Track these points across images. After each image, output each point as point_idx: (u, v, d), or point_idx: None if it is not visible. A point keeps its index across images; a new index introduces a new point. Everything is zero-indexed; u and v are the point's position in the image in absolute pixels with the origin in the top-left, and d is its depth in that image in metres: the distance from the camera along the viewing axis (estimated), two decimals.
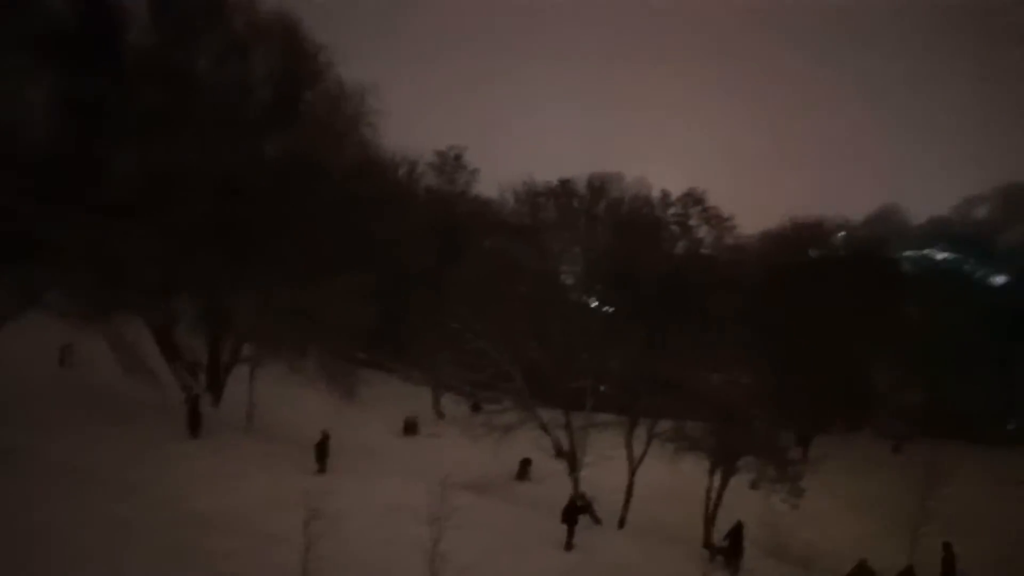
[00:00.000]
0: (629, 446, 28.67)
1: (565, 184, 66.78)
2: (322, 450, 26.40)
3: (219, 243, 26.76)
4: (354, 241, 32.04)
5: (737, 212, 64.81)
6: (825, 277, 48.27)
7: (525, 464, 33.53)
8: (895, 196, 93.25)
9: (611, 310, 51.97)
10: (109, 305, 26.25)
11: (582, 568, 21.07)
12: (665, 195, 67.22)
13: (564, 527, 22.72)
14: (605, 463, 27.66)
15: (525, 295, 34.37)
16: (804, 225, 58.91)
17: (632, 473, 28.43)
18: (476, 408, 38.15)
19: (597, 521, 26.94)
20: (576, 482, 27.68)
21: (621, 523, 27.94)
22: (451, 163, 65.83)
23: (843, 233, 66.78)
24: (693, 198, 66.15)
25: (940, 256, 78.37)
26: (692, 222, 66.56)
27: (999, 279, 69.77)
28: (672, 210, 66.96)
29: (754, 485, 26.99)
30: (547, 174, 75.14)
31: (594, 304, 56.11)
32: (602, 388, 30.57)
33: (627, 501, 28.20)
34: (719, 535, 25.49)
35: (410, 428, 40.16)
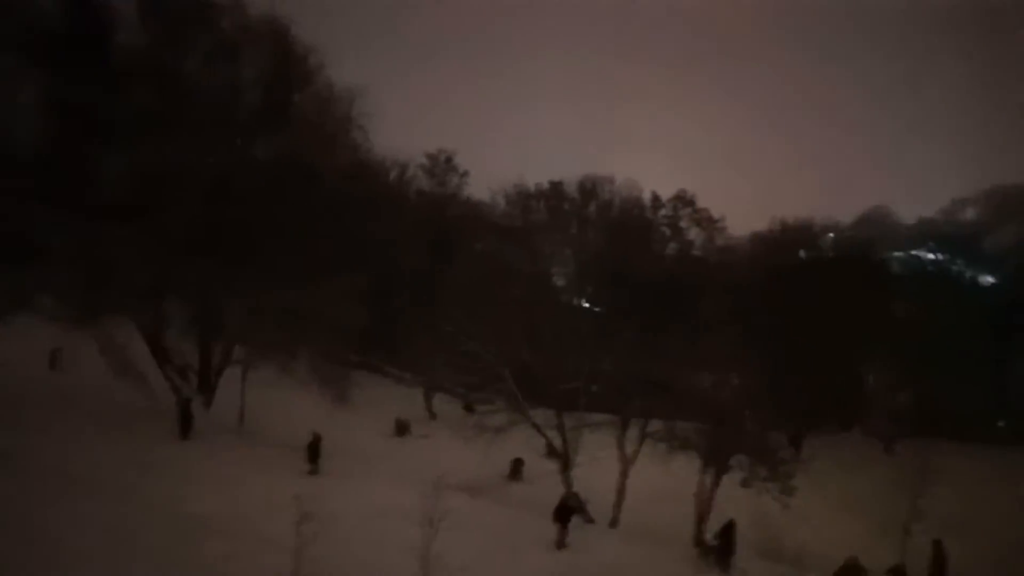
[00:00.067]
0: (621, 446, 28.76)
1: (556, 186, 66.94)
2: (314, 452, 26.38)
3: (210, 245, 26.68)
4: (345, 243, 32.01)
5: (727, 213, 65.15)
6: (815, 278, 48.52)
7: (517, 464, 33.57)
8: (884, 197, 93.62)
9: (602, 311, 52.05)
10: (99, 308, 26.15)
11: (574, 568, 21.07)
12: (655, 197, 67.49)
13: (556, 527, 22.75)
14: (597, 463, 27.75)
15: (517, 297, 34.44)
16: (793, 227, 59.26)
17: (624, 473, 28.51)
18: (469, 409, 38.21)
19: (589, 521, 26.99)
20: (568, 482, 27.73)
21: (613, 523, 28.00)
22: (442, 165, 65.94)
23: (832, 234, 67.10)
24: (683, 200, 66.46)
25: (929, 257, 78.83)
26: (682, 224, 66.87)
27: (987, 280, 70.27)
28: (662, 212, 67.24)
29: (745, 484, 27.10)
30: (538, 176, 75.24)
31: (585, 305, 56.25)
32: (594, 388, 30.66)
33: (619, 501, 28.27)
34: (711, 534, 25.57)
35: (401, 429, 40.13)
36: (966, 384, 46.16)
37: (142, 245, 24.73)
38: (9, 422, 22.39)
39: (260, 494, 21.26)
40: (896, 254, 74.66)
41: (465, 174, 66.74)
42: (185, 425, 27.10)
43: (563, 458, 28.32)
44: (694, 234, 66.96)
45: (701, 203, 66.12)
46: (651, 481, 29.10)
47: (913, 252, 79.82)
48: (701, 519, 27.10)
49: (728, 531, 24.24)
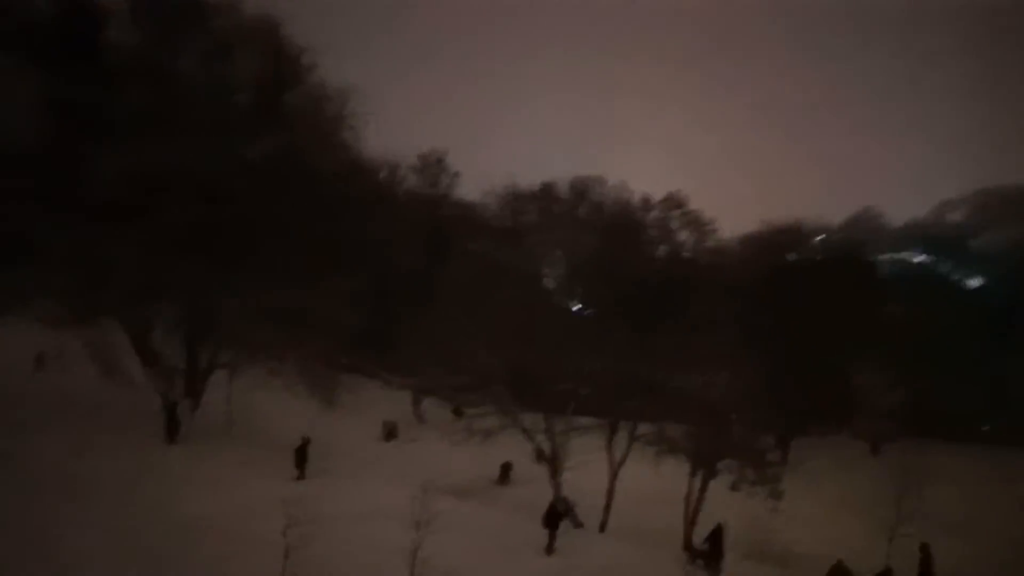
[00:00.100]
0: (610, 450, 28.76)
1: (547, 188, 66.91)
2: (302, 456, 26.27)
3: (200, 246, 26.53)
4: (335, 245, 31.90)
5: (717, 215, 65.26)
6: (804, 280, 48.70)
7: (506, 468, 33.51)
8: (873, 199, 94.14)
9: (592, 313, 52.08)
10: (87, 309, 25.99)
11: (564, 572, 21.05)
12: (646, 199, 67.55)
13: (546, 531, 22.72)
14: (587, 467, 27.72)
15: (507, 299, 34.35)
16: (783, 228, 59.44)
17: (613, 476, 28.50)
18: (458, 412, 38.09)
19: (579, 525, 26.98)
20: (558, 486, 27.70)
21: (602, 527, 27.99)
22: (433, 166, 65.79)
23: (822, 236, 67.34)
24: (673, 202, 66.51)
25: (917, 259, 79.31)
26: (673, 225, 66.90)
27: (974, 281, 70.73)
28: (653, 214, 67.29)
29: (734, 487, 27.16)
30: (529, 177, 75.30)
31: (576, 307, 56.27)
32: (583, 391, 30.64)
33: (608, 504, 28.25)
34: (700, 538, 25.60)
35: (390, 433, 40.00)
36: (953, 385, 46.45)
37: (132, 246, 24.57)
38: None
39: (248, 497, 21.17)
40: (885, 256, 75.08)
41: (456, 175, 66.68)
42: (172, 428, 26.94)
43: (552, 462, 28.30)
44: (684, 236, 67.02)
45: (692, 204, 66.21)
46: (640, 484, 29.11)
47: (902, 254, 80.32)
48: (690, 522, 27.13)
49: (717, 534, 24.27)
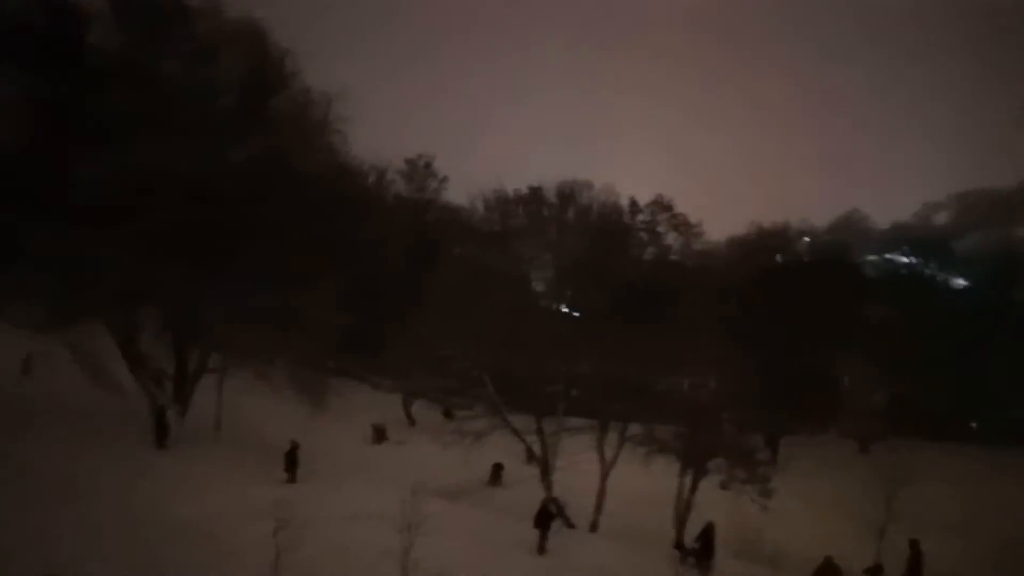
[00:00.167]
0: (601, 450, 28.81)
1: (535, 191, 66.91)
2: (291, 459, 26.18)
3: (185, 249, 26.38)
4: (323, 248, 31.78)
5: (704, 218, 65.24)
6: (791, 282, 48.98)
7: (497, 469, 33.49)
8: (858, 202, 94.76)
9: (581, 315, 52.11)
10: (73, 312, 25.79)
11: (555, 572, 21.06)
12: (633, 202, 67.61)
13: (537, 532, 22.72)
14: (577, 467, 27.79)
15: (496, 301, 34.37)
16: (770, 231, 59.76)
17: (604, 477, 28.55)
18: (448, 415, 38.07)
19: (570, 525, 26.99)
20: (548, 487, 27.72)
21: (593, 527, 28.04)
22: (421, 171, 65.73)
23: (808, 238, 67.69)
24: (661, 205, 66.56)
25: (903, 261, 79.85)
26: (660, 228, 66.92)
27: (959, 282, 71.28)
28: (640, 217, 67.33)
29: (724, 486, 27.28)
30: (517, 181, 75.24)
31: (565, 310, 56.24)
32: (573, 393, 30.70)
33: (599, 505, 28.31)
34: (691, 537, 25.67)
35: (378, 436, 39.88)
36: (940, 384, 46.80)
37: (118, 249, 24.40)
38: None
39: (237, 502, 21.04)
40: (870, 258, 75.59)
41: (444, 179, 66.63)
42: (160, 433, 26.78)
43: (543, 463, 28.31)
44: (672, 239, 67.08)
45: (679, 207, 66.26)
46: (631, 485, 29.19)
47: (887, 256, 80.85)
48: (681, 522, 27.21)
49: (707, 533, 24.37)
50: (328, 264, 31.10)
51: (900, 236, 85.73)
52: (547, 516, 23.22)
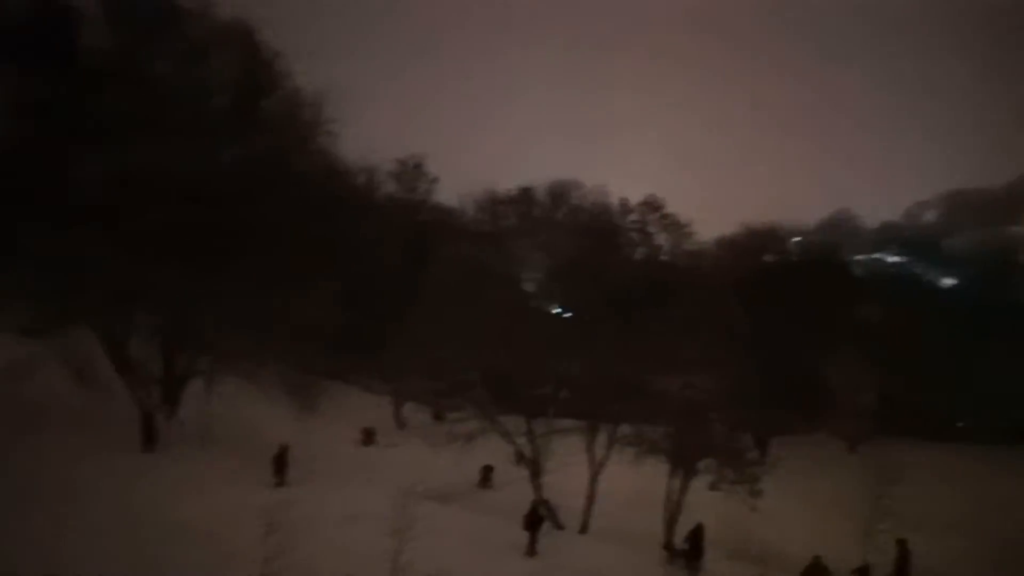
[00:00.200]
0: (591, 451, 28.86)
1: (526, 192, 67.06)
2: (281, 462, 26.11)
3: (175, 250, 26.28)
4: (313, 250, 31.75)
5: (694, 218, 65.56)
6: (781, 282, 49.15)
7: (487, 471, 33.49)
8: (848, 201, 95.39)
9: (572, 316, 52.20)
10: (61, 315, 25.66)
11: (545, 574, 21.14)
12: (624, 203, 67.82)
13: (527, 534, 22.77)
14: (567, 468, 27.81)
15: (487, 302, 34.42)
16: (760, 231, 59.96)
17: (594, 478, 28.60)
18: (439, 417, 38.05)
19: (559, 527, 27.04)
20: (538, 488, 27.75)
21: (584, 528, 28.08)
22: (411, 171, 65.61)
23: (798, 238, 68.02)
24: (651, 205, 66.79)
25: (892, 260, 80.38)
26: (651, 229, 67.16)
27: (947, 281, 71.77)
28: (631, 217, 67.54)
29: (713, 487, 27.38)
30: (508, 181, 75.25)
31: (555, 310, 56.33)
32: (563, 394, 30.76)
33: (589, 506, 28.35)
34: (680, 537, 25.76)
35: (368, 438, 39.82)
36: (928, 384, 47.04)
37: (107, 250, 24.30)
38: None
39: (227, 505, 20.97)
40: (860, 257, 76.04)
41: (435, 180, 66.56)
42: (149, 436, 26.64)
43: (533, 465, 28.35)
44: (662, 239, 67.32)
45: (670, 207, 66.54)
46: (621, 486, 29.24)
47: (876, 255, 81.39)
48: (670, 523, 27.29)
49: (697, 534, 24.48)
50: (318, 265, 31.07)
51: (889, 235, 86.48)
52: (537, 518, 23.29)
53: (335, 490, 25.47)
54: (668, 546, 26.13)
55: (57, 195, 24.63)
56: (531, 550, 22.50)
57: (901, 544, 25.71)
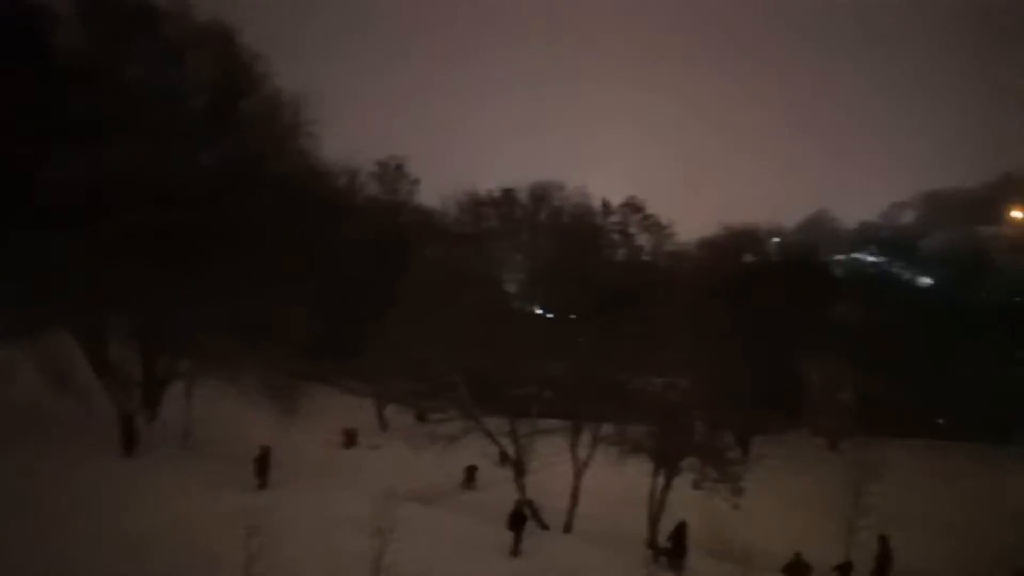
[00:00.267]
0: (574, 451, 28.88)
1: (507, 193, 66.97)
2: (262, 465, 25.92)
3: (154, 253, 26.01)
4: (294, 251, 31.56)
5: (675, 219, 65.75)
6: (761, 282, 49.45)
7: (471, 472, 33.43)
8: (826, 202, 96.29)
9: (554, 317, 52.27)
10: (36, 319, 25.31)
11: (529, 574, 21.12)
12: (605, 204, 67.91)
13: (511, 534, 22.74)
14: (551, 468, 27.83)
15: (469, 303, 34.38)
16: (739, 232, 60.32)
17: (578, 477, 28.62)
18: (422, 418, 37.90)
19: (543, 527, 27.03)
20: (522, 488, 27.73)
21: (567, 528, 28.09)
22: (392, 173, 65.44)
23: (777, 239, 68.47)
24: (632, 207, 66.92)
25: (870, 260, 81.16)
26: (632, 230, 67.27)
27: (925, 281, 72.61)
28: (612, 218, 67.63)
29: (696, 485, 27.49)
30: (489, 182, 75.20)
31: (537, 311, 56.36)
32: (546, 394, 30.76)
33: (573, 506, 28.37)
34: (664, 536, 25.85)
35: (349, 440, 39.60)
36: (907, 383, 47.52)
37: (84, 252, 24.01)
38: None
39: (208, 509, 20.80)
40: (839, 257, 76.71)
41: (416, 181, 66.42)
42: (128, 440, 26.35)
43: (517, 465, 28.32)
44: (643, 240, 67.46)
45: (650, 208, 66.69)
46: (605, 485, 29.29)
47: (855, 255, 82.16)
48: (653, 521, 27.37)
49: (680, 532, 24.58)
50: (299, 267, 30.87)
51: (868, 236, 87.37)
52: (520, 518, 23.27)
53: (317, 492, 25.34)
54: (651, 544, 26.21)
55: (32, 197, 24.29)
56: (515, 550, 22.49)
57: (882, 541, 25.95)
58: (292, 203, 32.59)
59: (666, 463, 27.73)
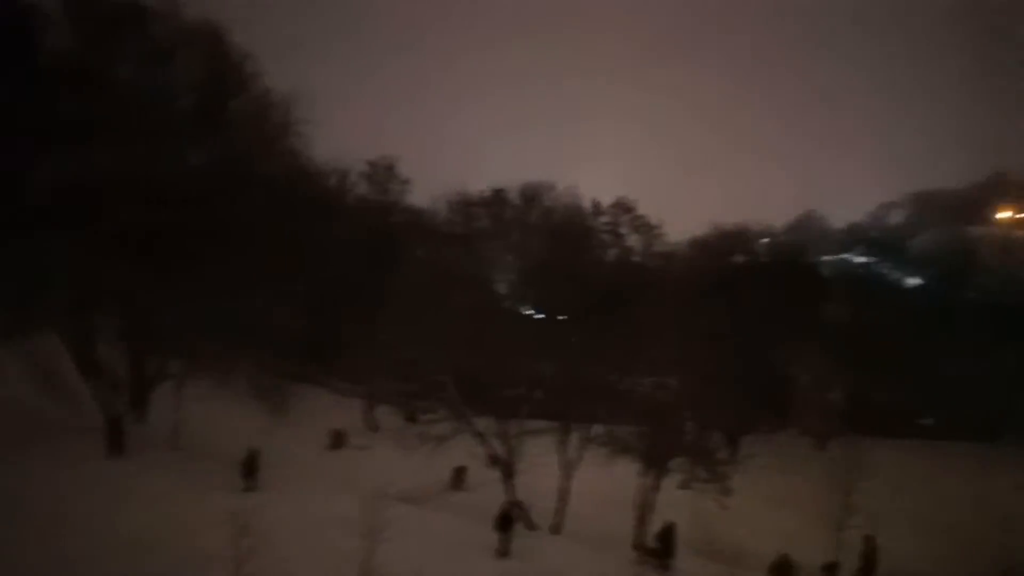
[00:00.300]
0: (563, 451, 28.95)
1: (498, 194, 67.02)
2: (250, 467, 25.84)
3: (142, 253, 25.92)
4: (283, 252, 31.52)
5: (665, 219, 65.97)
6: (750, 282, 49.67)
7: (460, 473, 33.45)
8: (815, 203, 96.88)
9: (544, 317, 52.38)
10: (24, 320, 25.18)
11: (517, 575, 21.16)
12: (596, 204, 68.07)
13: (499, 534, 22.78)
14: (540, 469, 27.89)
15: (459, 304, 34.41)
16: (729, 232, 60.61)
17: (566, 478, 28.69)
18: (411, 419, 37.89)
19: (532, 527, 27.08)
20: (511, 489, 27.77)
21: (556, 528, 28.15)
22: (383, 173, 65.35)
23: (766, 239, 68.81)
24: (623, 207, 67.09)
25: (858, 260, 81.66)
26: (622, 230, 67.45)
27: (913, 281, 73.07)
28: (603, 219, 67.78)
29: (684, 485, 27.60)
30: (480, 182, 75.34)
31: (528, 311, 56.43)
32: (536, 395, 30.80)
33: (562, 506, 28.43)
34: (651, 537, 25.93)
35: (337, 441, 39.53)
36: (895, 382, 47.84)
37: (72, 253, 23.90)
38: None
39: (196, 511, 20.68)
40: (827, 257, 77.16)
41: (407, 182, 66.34)
42: (115, 442, 26.20)
43: (506, 466, 28.37)
44: (633, 240, 67.64)
45: (641, 209, 66.90)
46: (594, 486, 29.37)
47: (843, 255, 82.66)
48: (642, 522, 27.45)
49: (667, 533, 24.66)
50: (288, 268, 30.83)
51: (856, 236, 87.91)
52: (509, 519, 23.31)
53: (305, 493, 25.28)
54: (639, 545, 26.29)
55: (19, 198, 24.18)
56: (503, 551, 22.52)
57: (869, 541, 26.11)
58: (282, 203, 32.53)
59: (655, 463, 27.83)
